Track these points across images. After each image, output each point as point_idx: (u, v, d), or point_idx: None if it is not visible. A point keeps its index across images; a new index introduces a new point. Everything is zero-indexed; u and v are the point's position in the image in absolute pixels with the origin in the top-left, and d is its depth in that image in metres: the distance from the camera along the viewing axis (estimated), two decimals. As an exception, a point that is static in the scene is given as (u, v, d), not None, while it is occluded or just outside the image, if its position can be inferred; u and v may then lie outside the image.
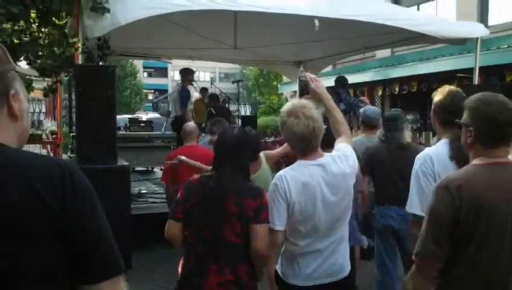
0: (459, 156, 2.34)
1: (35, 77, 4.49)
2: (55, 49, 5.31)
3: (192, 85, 8.56)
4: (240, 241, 2.38)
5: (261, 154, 3.96)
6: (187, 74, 8.40)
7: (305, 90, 2.66)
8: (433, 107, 2.66)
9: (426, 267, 1.83)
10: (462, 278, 1.82)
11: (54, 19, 5.32)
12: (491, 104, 1.85)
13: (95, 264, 1.13)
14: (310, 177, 2.34)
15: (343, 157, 2.43)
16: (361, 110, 4.76)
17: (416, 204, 2.41)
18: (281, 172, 2.40)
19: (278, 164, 4.95)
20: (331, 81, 8.08)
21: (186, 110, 8.16)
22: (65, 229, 1.10)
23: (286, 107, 2.41)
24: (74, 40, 4.94)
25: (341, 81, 7.89)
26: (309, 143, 2.34)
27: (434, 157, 2.45)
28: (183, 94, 8.17)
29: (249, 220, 2.35)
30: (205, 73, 42.42)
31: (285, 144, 4.38)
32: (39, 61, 4.90)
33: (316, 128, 2.32)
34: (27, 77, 4.35)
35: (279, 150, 4.32)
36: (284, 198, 2.31)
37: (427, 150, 2.56)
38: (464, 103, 1.97)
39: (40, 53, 4.94)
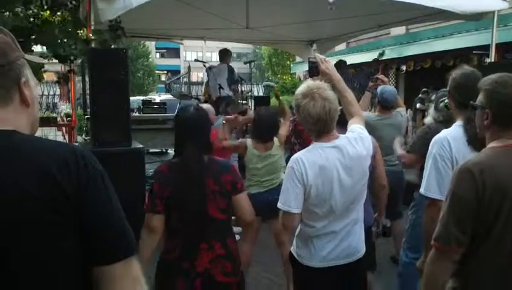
0: (473, 139, 2.31)
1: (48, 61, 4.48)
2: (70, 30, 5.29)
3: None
4: (225, 216, 2.48)
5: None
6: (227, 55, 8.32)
7: (314, 71, 2.63)
8: (448, 88, 2.62)
9: (447, 252, 1.79)
10: (484, 265, 1.78)
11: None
12: (507, 86, 1.81)
13: (108, 246, 1.16)
14: (327, 160, 2.32)
15: (359, 139, 2.41)
16: (378, 90, 4.68)
17: (434, 188, 2.40)
18: (297, 155, 2.38)
19: (292, 145, 4.93)
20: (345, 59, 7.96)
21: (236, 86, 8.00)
22: (79, 213, 1.12)
23: (301, 89, 2.38)
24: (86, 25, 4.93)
25: (339, 65, 7.76)
26: (325, 125, 2.32)
27: (451, 140, 2.42)
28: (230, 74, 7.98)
29: (229, 194, 2.47)
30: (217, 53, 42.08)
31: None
32: (61, 49, 4.87)
33: (332, 109, 2.31)
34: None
35: (285, 127, 4.30)
36: (301, 181, 2.30)
37: (443, 132, 2.51)
38: (479, 84, 1.91)
39: (58, 40, 4.91)
